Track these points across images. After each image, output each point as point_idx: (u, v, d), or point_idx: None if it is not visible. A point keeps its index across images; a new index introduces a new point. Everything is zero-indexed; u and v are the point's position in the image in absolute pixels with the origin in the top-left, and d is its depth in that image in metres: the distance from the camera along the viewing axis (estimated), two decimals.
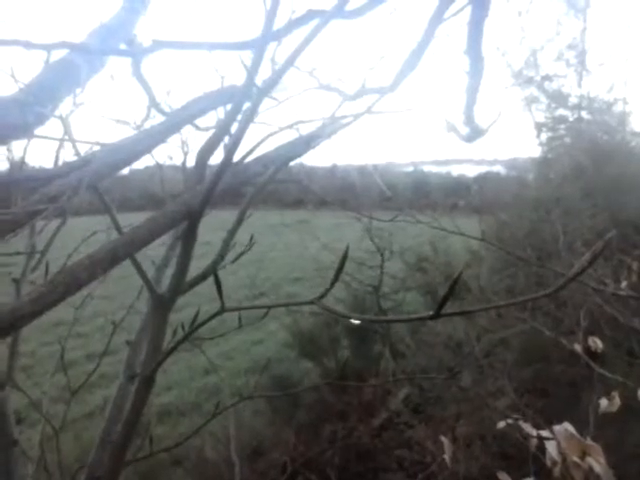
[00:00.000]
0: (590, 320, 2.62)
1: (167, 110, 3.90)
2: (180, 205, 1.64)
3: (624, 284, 1.97)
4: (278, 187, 16.53)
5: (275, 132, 2.22)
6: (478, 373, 4.14)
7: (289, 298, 10.11)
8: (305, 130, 2.30)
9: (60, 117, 2.02)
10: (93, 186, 1.68)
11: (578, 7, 11.73)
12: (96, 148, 1.92)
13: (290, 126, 2.16)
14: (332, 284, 1.10)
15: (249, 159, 1.87)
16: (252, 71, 1.28)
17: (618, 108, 10.97)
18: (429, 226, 2.41)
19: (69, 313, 2.59)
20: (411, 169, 25.39)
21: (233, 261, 1.85)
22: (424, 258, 7.31)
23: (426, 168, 25.31)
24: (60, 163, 2.08)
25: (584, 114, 11.55)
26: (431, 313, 0.86)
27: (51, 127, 2.16)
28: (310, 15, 2.03)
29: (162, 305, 1.67)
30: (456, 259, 7.09)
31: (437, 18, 2.10)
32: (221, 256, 1.73)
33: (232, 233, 1.77)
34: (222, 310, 1.34)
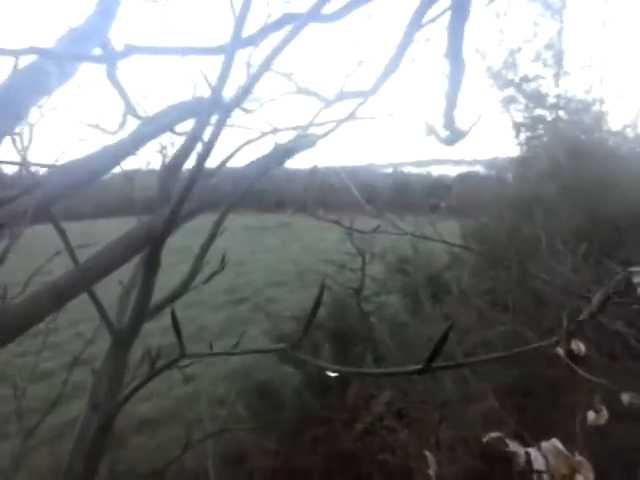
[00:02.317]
0: (571, 322, 2.59)
1: (143, 115, 3.83)
2: (141, 230, 1.53)
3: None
4: (259, 190, 16.45)
5: (252, 140, 2.18)
6: (459, 375, 4.11)
7: (270, 303, 10.02)
8: (283, 138, 2.27)
9: (28, 124, 1.95)
10: (45, 209, 1.59)
11: (554, 8, 11.82)
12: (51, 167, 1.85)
13: (267, 134, 2.13)
14: (306, 330, 1.05)
15: (223, 170, 1.82)
16: (219, 82, 1.23)
17: (595, 108, 11.08)
18: (411, 235, 2.36)
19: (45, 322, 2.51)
20: (391, 170, 25.42)
21: (205, 282, 1.79)
22: (405, 259, 7.28)
23: (406, 169, 25.34)
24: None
25: (562, 114, 11.65)
26: (420, 367, 0.81)
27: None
28: (286, 19, 1.98)
29: (122, 341, 1.59)
30: (437, 259, 7.07)
31: (416, 21, 2.07)
32: (192, 276, 1.68)
33: (204, 249, 1.71)
34: (182, 356, 1.26)
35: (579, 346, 1.99)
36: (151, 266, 1.47)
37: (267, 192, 15.83)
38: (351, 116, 2.35)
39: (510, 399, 3.90)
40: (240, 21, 1.25)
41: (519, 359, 4.14)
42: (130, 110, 3.54)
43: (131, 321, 1.52)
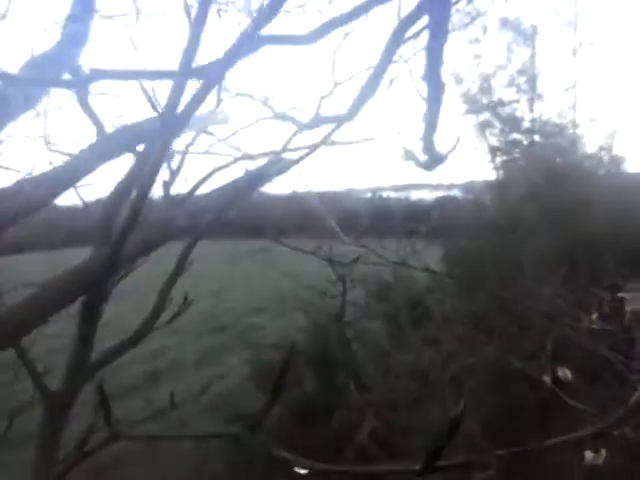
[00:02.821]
0: (555, 346, 2.57)
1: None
2: (75, 274, 1.33)
3: (595, 316, 1.92)
4: (238, 216, 16.33)
5: (223, 167, 2.12)
6: (444, 402, 4.06)
7: (250, 330, 9.89)
8: (254, 164, 2.21)
9: None
10: None
11: (526, 34, 12.07)
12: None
13: (238, 160, 2.07)
14: (267, 409, 0.97)
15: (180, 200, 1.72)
16: (169, 106, 1.16)
17: (570, 131, 11.27)
18: (393, 264, 2.31)
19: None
20: (370, 195, 25.49)
21: (167, 323, 1.69)
22: (386, 285, 7.24)
23: (385, 194, 25.43)
24: None
25: (537, 138, 11.82)
26: (419, 467, 0.71)
27: None
28: (259, 41, 1.91)
29: (58, 405, 1.43)
30: (418, 284, 7.04)
31: (394, 43, 2.03)
32: (155, 315, 1.55)
33: (168, 286, 1.61)
34: (113, 438, 1.15)
35: (565, 373, 1.96)
36: (88, 317, 1.30)
37: (246, 218, 15.75)
38: (325, 141, 2.30)
39: (495, 424, 3.86)
40: (191, 50, 1.20)
41: (503, 384, 4.11)
42: (103, 135, 3.48)
43: (67, 382, 1.35)
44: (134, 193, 1.34)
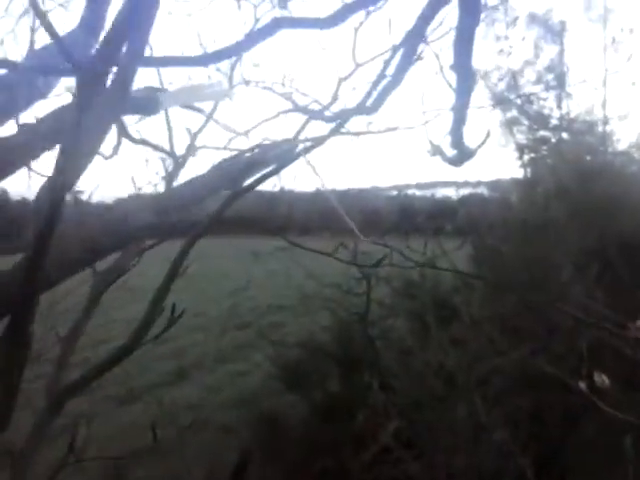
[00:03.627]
0: (588, 350, 2.49)
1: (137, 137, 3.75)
2: None
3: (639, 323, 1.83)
4: (263, 214, 16.35)
5: (246, 150, 2.05)
6: (471, 403, 3.98)
7: (273, 327, 9.92)
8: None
9: None
10: None
11: (554, 31, 11.89)
12: None
13: (245, 151, 2.00)
14: None
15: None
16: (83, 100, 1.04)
17: (599, 128, 11.06)
18: (419, 266, 2.24)
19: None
20: (395, 193, 25.40)
21: (155, 338, 1.60)
22: (411, 283, 7.15)
23: (410, 192, 25.32)
24: None
25: (565, 135, 11.63)
26: None
27: None
28: (275, 24, 1.84)
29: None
30: (444, 283, 6.95)
31: (420, 29, 1.95)
32: (146, 327, 1.46)
33: (161, 293, 1.51)
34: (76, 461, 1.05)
35: (603, 379, 1.88)
36: (13, 345, 1.08)
37: (269, 216, 15.75)
38: (335, 132, 2.20)
39: (524, 428, 3.77)
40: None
41: (532, 387, 4.02)
42: (123, 132, 3.47)
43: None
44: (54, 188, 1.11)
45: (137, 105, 2.11)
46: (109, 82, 1.26)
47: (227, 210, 2.07)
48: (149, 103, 2.09)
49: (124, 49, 1.17)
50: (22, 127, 2.05)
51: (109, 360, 1.74)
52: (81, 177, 1.13)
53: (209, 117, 3.55)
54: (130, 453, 5.51)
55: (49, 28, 1.08)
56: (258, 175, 2.04)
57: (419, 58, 2.68)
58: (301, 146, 2.30)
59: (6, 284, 1.09)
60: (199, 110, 3.24)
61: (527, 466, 2.33)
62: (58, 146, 2.01)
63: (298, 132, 2.83)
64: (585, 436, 3.54)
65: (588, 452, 3.46)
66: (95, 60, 1.02)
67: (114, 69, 1.21)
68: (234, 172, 1.97)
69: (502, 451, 3.45)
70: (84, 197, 2.58)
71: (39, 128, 1.94)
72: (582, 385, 1.88)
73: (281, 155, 2.08)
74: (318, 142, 1.96)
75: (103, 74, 1.02)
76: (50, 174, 1.32)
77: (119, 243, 1.65)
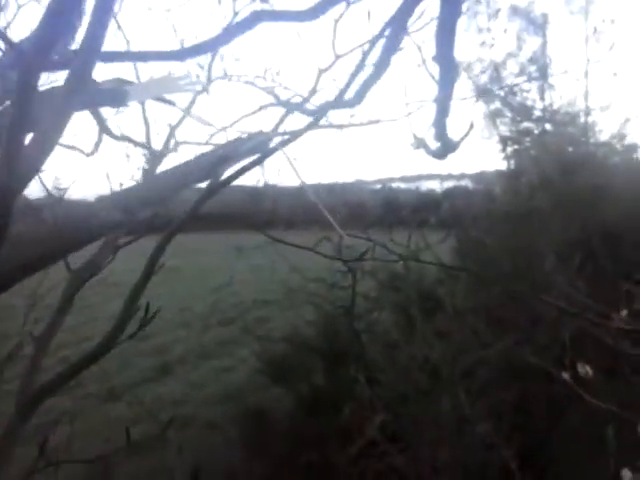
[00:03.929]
0: (571, 340, 2.48)
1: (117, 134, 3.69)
2: None
3: (624, 312, 1.82)
4: (248, 209, 16.32)
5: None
6: (456, 396, 3.98)
7: (258, 322, 9.88)
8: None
9: None
10: None
11: (537, 23, 11.93)
12: None
13: (228, 144, 1.95)
14: None
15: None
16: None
17: (581, 120, 11.12)
18: (403, 259, 2.21)
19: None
20: (379, 186, 25.42)
21: (131, 337, 1.57)
22: (396, 276, 7.15)
23: (394, 185, 25.36)
24: None
25: (548, 126, 11.69)
26: None
27: None
28: (255, 18, 1.80)
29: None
30: (428, 275, 6.96)
31: (402, 19, 1.92)
32: (121, 327, 1.43)
33: (136, 292, 1.47)
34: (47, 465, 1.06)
35: (586, 369, 1.88)
36: None
37: (254, 211, 15.74)
38: (313, 125, 2.16)
39: (508, 419, 3.78)
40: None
41: (516, 378, 4.03)
42: (104, 129, 3.42)
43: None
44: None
45: (103, 97, 2.05)
46: (66, 75, 1.22)
47: (211, 205, 2.02)
48: (116, 95, 2.03)
49: (81, 40, 1.12)
50: None
51: (86, 358, 1.70)
52: (34, 176, 1.08)
53: (186, 111, 3.51)
54: (113, 451, 5.45)
55: None
56: (235, 169, 2.00)
57: (400, 49, 2.65)
58: (278, 139, 2.25)
59: None
60: (172, 103, 3.19)
61: (511, 458, 2.32)
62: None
63: (277, 125, 2.79)
64: (569, 426, 3.56)
65: (572, 442, 3.48)
66: (32, 49, 0.96)
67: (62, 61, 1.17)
68: (208, 165, 1.92)
69: (486, 443, 3.45)
70: (61, 194, 2.53)
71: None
72: (565, 375, 1.87)
73: (257, 148, 2.03)
74: (296, 135, 1.92)
75: (38, 67, 0.96)
76: None
77: (81, 242, 1.59)
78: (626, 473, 1.60)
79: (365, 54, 2.19)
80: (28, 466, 1.62)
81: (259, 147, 1.95)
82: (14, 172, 0.93)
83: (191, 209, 1.62)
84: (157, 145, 3.83)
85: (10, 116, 0.92)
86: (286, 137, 1.92)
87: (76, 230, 1.51)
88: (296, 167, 1.64)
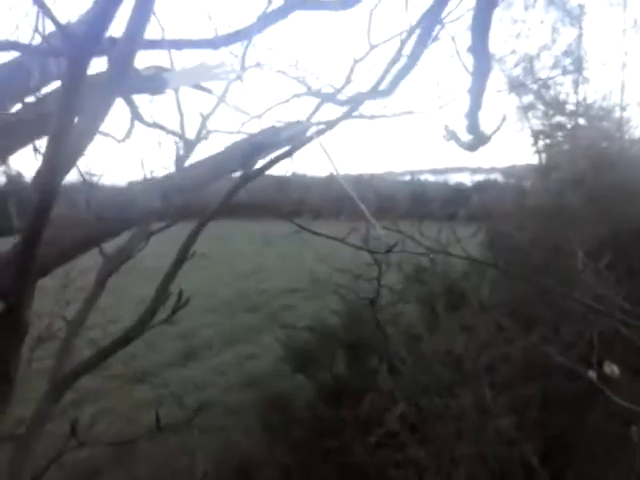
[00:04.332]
0: (598, 339, 2.46)
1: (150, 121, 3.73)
2: None
3: None
4: (275, 197, 16.38)
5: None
6: (478, 390, 3.96)
7: (284, 310, 9.95)
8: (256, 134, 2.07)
9: None
10: None
11: (573, 15, 11.66)
12: None
13: (263, 132, 1.96)
14: None
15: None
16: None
17: (616, 115, 10.88)
18: (432, 252, 2.19)
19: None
20: (408, 178, 25.26)
21: (163, 321, 1.59)
22: (422, 269, 7.12)
23: (423, 177, 25.17)
24: None
25: (581, 121, 11.46)
26: None
27: None
28: (289, 6, 1.80)
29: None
30: (454, 269, 6.91)
31: (438, 10, 1.89)
32: (152, 311, 1.46)
33: (169, 278, 1.50)
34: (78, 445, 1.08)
35: (613, 369, 1.85)
36: (9, 331, 1.04)
37: (283, 200, 15.79)
38: (349, 114, 2.16)
39: (529, 415, 3.75)
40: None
41: (539, 373, 3.99)
42: (136, 116, 3.45)
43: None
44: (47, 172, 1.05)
45: (143, 84, 2.08)
46: (109, 62, 1.24)
47: (240, 193, 2.04)
48: (155, 82, 2.06)
49: (124, 28, 1.14)
50: (26, 105, 2.04)
51: (118, 341, 1.74)
52: (78, 160, 1.10)
53: (220, 99, 3.53)
54: (138, 433, 5.56)
55: (47, 12, 1.05)
56: (269, 158, 2.01)
57: (435, 39, 2.63)
58: (314, 129, 2.26)
59: (2, 271, 1.06)
60: (209, 91, 3.21)
61: (532, 453, 2.31)
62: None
63: (311, 115, 2.79)
64: (592, 425, 3.52)
65: (595, 441, 3.44)
66: (84, 37, 0.98)
67: (108, 49, 1.19)
68: (244, 154, 1.94)
69: (507, 439, 3.43)
70: (95, 180, 2.57)
71: (42, 107, 1.93)
72: (592, 374, 1.85)
73: (293, 137, 2.05)
74: (331, 125, 1.93)
75: (89, 53, 0.98)
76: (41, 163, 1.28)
77: (121, 227, 1.63)
78: None
79: (402, 44, 2.17)
80: (57, 444, 1.66)
81: (295, 136, 1.97)
82: (61, 155, 0.95)
83: (225, 196, 1.64)
84: (189, 133, 3.87)
85: (59, 100, 0.94)
86: (321, 127, 1.93)
87: (116, 216, 1.54)
88: (330, 158, 1.64)
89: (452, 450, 3.63)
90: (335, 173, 1.92)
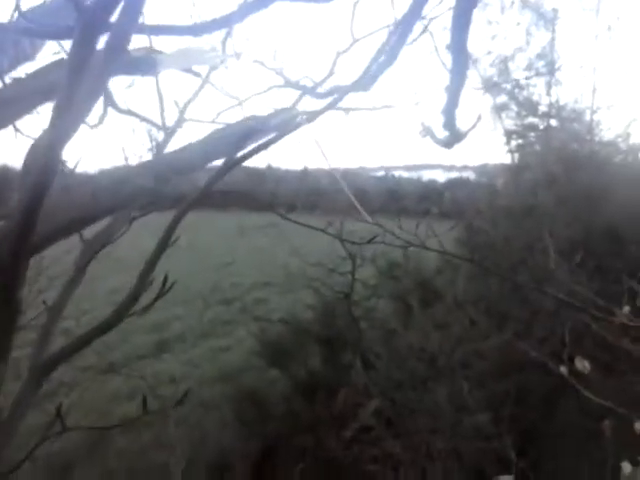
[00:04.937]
0: (567, 333, 2.51)
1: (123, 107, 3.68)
2: None
3: (626, 309, 1.84)
4: (250, 190, 16.29)
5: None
6: (452, 385, 4.02)
7: (258, 303, 9.93)
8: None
9: None
10: None
11: (547, 18, 11.83)
12: None
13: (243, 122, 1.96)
14: None
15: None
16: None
17: (587, 117, 11.09)
18: (411, 246, 2.21)
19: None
20: (382, 174, 25.36)
21: (144, 310, 1.59)
22: (396, 264, 7.18)
23: (397, 173, 25.29)
24: None
25: (553, 122, 11.65)
26: None
27: None
28: None
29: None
30: (428, 265, 6.98)
31: (417, 8, 1.91)
32: (134, 298, 1.45)
33: (150, 266, 1.50)
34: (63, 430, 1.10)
35: (584, 365, 1.90)
36: (2, 307, 1.04)
37: (257, 191, 15.73)
38: (332, 105, 2.16)
39: (503, 410, 3.82)
40: None
41: (512, 369, 4.07)
42: (110, 101, 3.40)
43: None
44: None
45: (133, 65, 2.07)
46: (103, 43, 1.23)
47: (216, 183, 2.04)
48: (147, 63, 2.05)
49: (120, 10, 1.13)
50: (12, 81, 2.00)
51: (99, 328, 1.72)
52: (71, 138, 1.09)
53: (205, 80, 3.49)
54: (112, 423, 5.51)
55: None
56: (255, 145, 2.01)
57: (424, 31, 2.65)
58: (301, 117, 2.27)
59: None
60: (197, 74, 3.18)
61: (508, 447, 2.35)
62: (46, 104, 1.97)
63: (294, 104, 2.79)
64: (565, 419, 3.60)
65: (567, 435, 3.52)
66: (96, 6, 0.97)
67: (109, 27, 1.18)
68: (233, 138, 1.94)
69: (483, 433, 3.49)
70: (69, 168, 2.53)
71: (28, 84, 1.90)
72: (563, 369, 1.90)
73: (281, 124, 2.05)
74: (313, 116, 1.93)
75: (101, 25, 0.97)
76: (42, 132, 1.28)
77: (114, 206, 1.63)
78: (626, 465, 1.63)
79: (388, 38, 2.19)
80: (37, 431, 1.65)
81: (283, 123, 1.97)
82: (64, 124, 0.95)
83: (209, 182, 1.63)
84: (159, 121, 3.80)
85: (66, 72, 0.93)
86: (308, 115, 1.94)
87: (111, 195, 1.54)
88: (323, 151, 1.65)
89: (427, 444, 3.68)
90: (328, 167, 1.93)
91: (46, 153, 0.96)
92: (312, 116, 1.96)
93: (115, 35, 1.14)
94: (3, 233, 1.12)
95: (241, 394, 5.45)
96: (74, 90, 0.94)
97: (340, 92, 2.67)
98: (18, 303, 1.01)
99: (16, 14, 2.13)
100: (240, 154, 1.89)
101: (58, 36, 2.07)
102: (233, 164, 1.79)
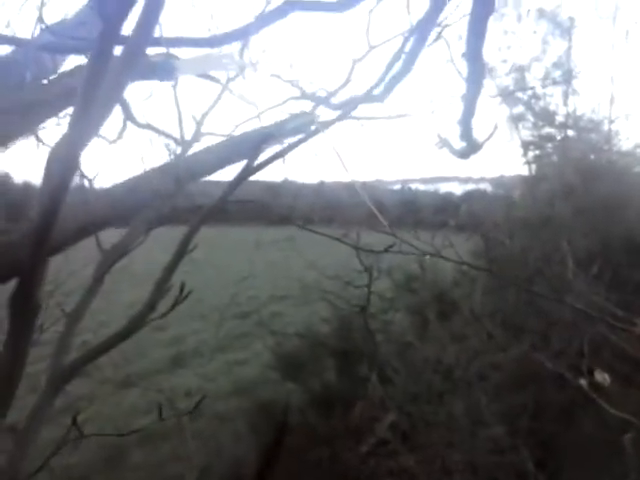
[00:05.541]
0: (586, 345, 2.48)
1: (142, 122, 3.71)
2: None
3: None
4: (265, 204, 16.36)
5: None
6: (469, 398, 3.98)
7: (274, 317, 9.93)
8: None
9: None
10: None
11: (564, 27, 11.78)
12: None
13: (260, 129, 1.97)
14: None
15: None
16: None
17: (604, 127, 10.99)
18: (429, 255, 2.20)
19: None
20: (399, 187, 25.36)
21: (164, 315, 1.59)
22: (412, 277, 7.15)
23: (413, 186, 25.28)
24: None
25: (571, 133, 11.56)
26: None
27: None
28: (287, 7, 1.80)
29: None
30: (445, 277, 6.94)
31: (432, 17, 1.91)
32: (151, 306, 1.46)
33: (168, 273, 1.51)
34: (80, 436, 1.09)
35: (604, 377, 1.87)
36: (22, 309, 1.03)
37: (273, 205, 15.76)
38: (346, 114, 2.18)
39: (521, 422, 3.77)
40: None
41: (529, 381, 4.02)
42: (128, 116, 3.43)
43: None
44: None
45: (153, 70, 2.09)
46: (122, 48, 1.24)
47: (231, 197, 2.05)
48: (165, 69, 2.08)
49: (139, 14, 1.15)
50: (35, 86, 2.04)
51: (113, 339, 1.73)
52: (86, 146, 1.10)
53: (223, 88, 3.52)
54: (126, 440, 5.51)
55: None
56: (269, 154, 2.02)
57: (438, 38, 2.64)
58: (315, 123, 2.28)
59: (16, 247, 1.07)
60: (216, 80, 3.21)
61: (525, 460, 2.32)
62: (66, 110, 2.00)
63: (311, 110, 2.80)
64: (583, 433, 3.54)
65: (586, 449, 3.46)
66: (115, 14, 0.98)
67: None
68: (251, 142, 1.95)
69: (500, 446, 3.44)
70: (89, 180, 2.56)
71: (50, 89, 1.94)
72: (582, 382, 1.87)
73: (297, 129, 2.06)
74: (328, 124, 1.94)
75: (120, 22, 0.98)
76: (62, 136, 1.29)
77: (134, 209, 1.65)
78: None
79: (403, 45, 2.19)
80: (54, 443, 1.66)
81: (300, 128, 1.98)
82: (84, 127, 0.96)
83: (223, 194, 1.65)
84: (177, 134, 3.83)
85: (86, 73, 0.95)
86: (319, 123, 1.95)
87: (129, 197, 1.56)
88: (344, 162, 1.66)
89: (443, 458, 3.63)
90: (354, 182, 1.93)
91: (66, 153, 0.98)
92: (327, 124, 1.97)
93: (132, 44, 1.16)
94: (23, 235, 1.14)
95: (257, 407, 5.45)
96: (93, 92, 0.96)
97: (355, 102, 2.68)
98: (37, 305, 1.02)
99: (37, 31, 2.17)
100: (255, 163, 1.90)
101: (79, 51, 2.11)
102: (248, 173, 1.80)
